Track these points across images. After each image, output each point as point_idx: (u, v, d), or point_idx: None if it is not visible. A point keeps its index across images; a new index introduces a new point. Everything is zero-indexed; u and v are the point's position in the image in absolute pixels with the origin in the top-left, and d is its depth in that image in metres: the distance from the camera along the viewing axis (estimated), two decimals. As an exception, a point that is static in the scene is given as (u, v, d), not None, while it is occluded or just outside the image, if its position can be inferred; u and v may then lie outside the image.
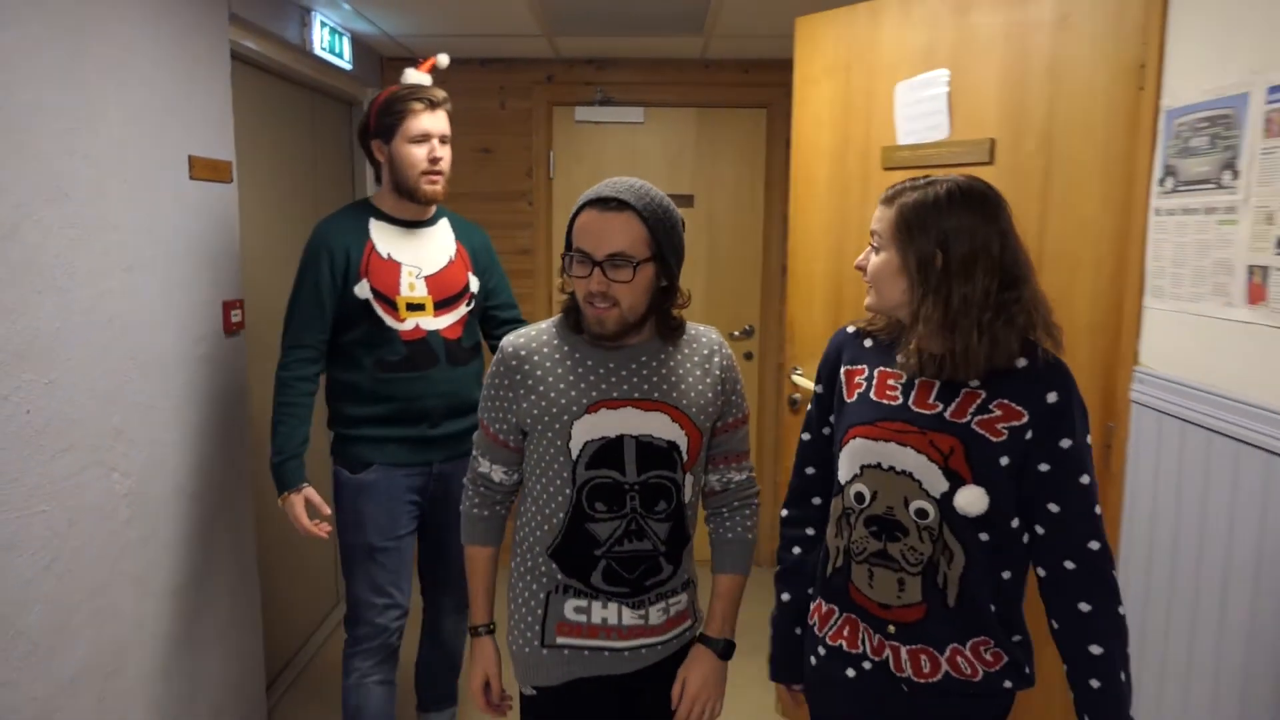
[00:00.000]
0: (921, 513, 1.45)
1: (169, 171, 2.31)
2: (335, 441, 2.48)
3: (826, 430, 1.66)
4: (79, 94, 1.94)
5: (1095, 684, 1.41)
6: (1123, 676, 1.41)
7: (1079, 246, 2.15)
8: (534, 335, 1.72)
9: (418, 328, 2.38)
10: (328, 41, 3.34)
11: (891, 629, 1.51)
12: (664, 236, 1.59)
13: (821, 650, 1.62)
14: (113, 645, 2.08)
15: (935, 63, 2.39)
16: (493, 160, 4.25)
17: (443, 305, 2.43)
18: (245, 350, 2.75)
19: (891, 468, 1.47)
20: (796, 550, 1.72)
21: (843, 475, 1.56)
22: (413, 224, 2.46)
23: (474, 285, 2.52)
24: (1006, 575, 1.48)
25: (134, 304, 2.16)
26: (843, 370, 1.60)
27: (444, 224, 2.54)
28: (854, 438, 1.53)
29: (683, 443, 1.66)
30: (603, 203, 1.57)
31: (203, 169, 2.45)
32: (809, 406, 1.70)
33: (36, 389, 1.81)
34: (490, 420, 1.74)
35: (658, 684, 1.75)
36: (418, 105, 2.37)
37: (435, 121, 2.40)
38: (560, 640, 1.70)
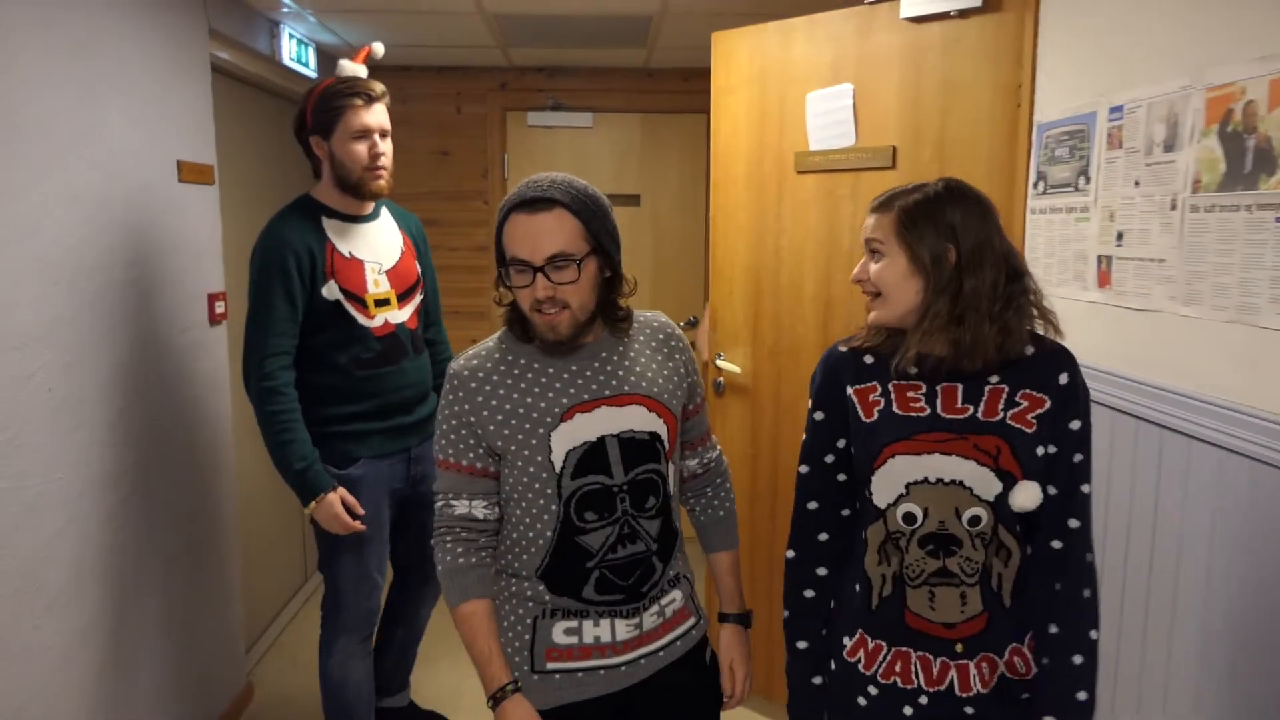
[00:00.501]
0: (974, 520, 1.41)
1: (161, 175, 2.54)
2: (314, 441, 2.37)
3: (830, 458, 1.55)
4: (88, 106, 2.18)
5: (1046, 662, 1.43)
6: (1077, 660, 1.41)
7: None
8: (483, 355, 1.61)
9: (386, 323, 2.42)
10: (295, 52, 3.57)
11: (959, 647, 1.45)
12: (598, 226, 1.52)
13: (873, 690, 1.51)
14: (118, 602, 2.31)
15: (841, 77, 2.67)
16: (450, 162, 4.50)
17: (403, 297, 2.48)
18: (226, 339, 2.98)
19: (940, 480, 1.42)
20: (809, 593, 1.59)
21: (882, 499, 1.46)
22: (359, 218, 2.45)
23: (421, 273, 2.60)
24: (1028, 550, 1.47)
25: (133, 295, 2.38)
26: (850, 391, 1.51)
27: (385, 215, 2.54)
28: (892, 456, 1.45)
29: (663, 431, 1.60)
30: (529, 204, 1.49)
31: (190, 172, 2.68)
32: (804, 437, 1.59)
33: (56, 370, 2.04)
34: (458, 455, 1.59)
35: (660, 695, 1.64)
36: (357, 101, 2.31)
37: (374, 116, 2.35)
38: (550, 666, 1.58)
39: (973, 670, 1.45)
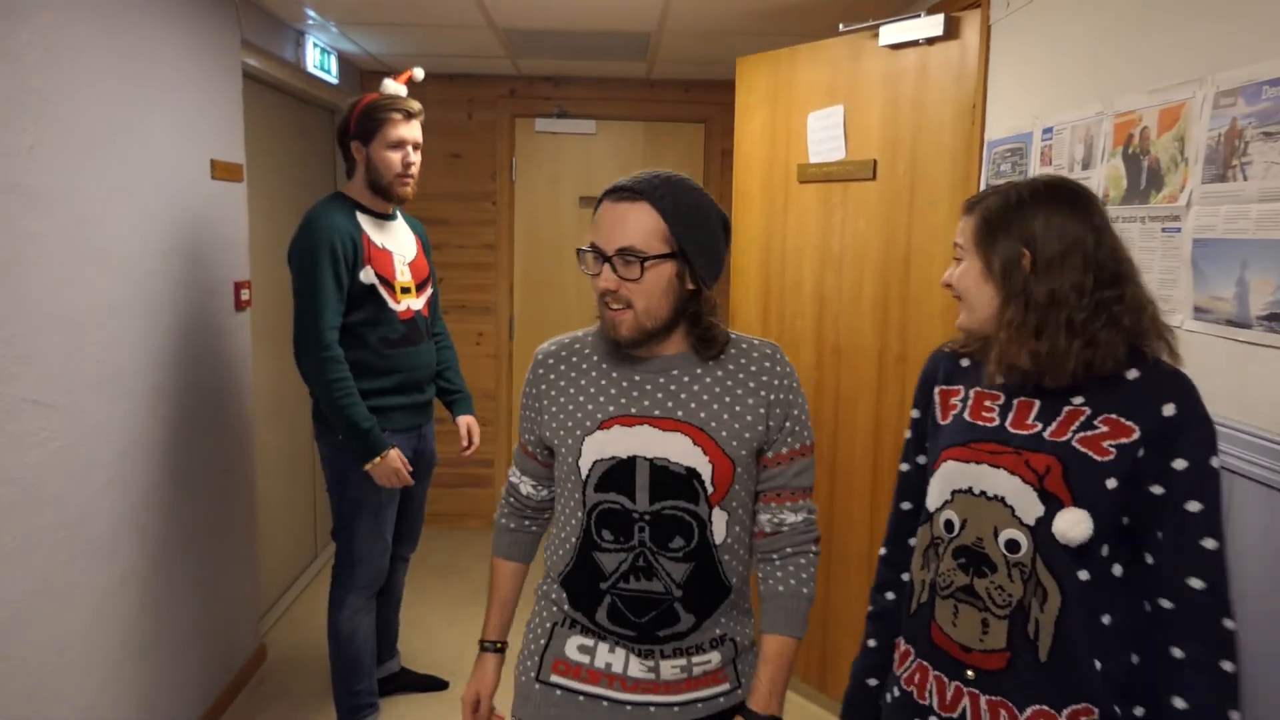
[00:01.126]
0: (1012, 545, 1.30)
1: (196, 173, 2.80)
2: None
3: (922, 459, 1.53)
4: (134, 112, 2.43)
5: None
6: None
7: (933, 248, 2.71)
8: (567, 343, 1.58)
9: (409, 308, 2.71)
10: (318, 60, 3.83)
11: (970, 674, 1.35)
12: (687, 232, 1.42)
13: (897, 691, 1.49)
14: (152, 557, 2.56)
15: (836, 98, 2.96)
16: (461, 165, 4.76)
17: (419, 288, 2.79)
18: (249, 323, 3.24)
19: (983, 493, 1.33)
20: (890, 595, 1.58)
21: (932, 502, 1.42)
22: (384, 216, 2.75)
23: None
24: (1106, 620, 1.29)
25: (169, 282, 2.64)
26: (937, 391, 1.49)
27: (400, 218, 2.85)
28: (946, 460, 1.40)
29: (706, 471, 1.44)
30: (618, 192, 1.44)
31: (221, 170, 2.94)
32: (906, 434, 1.58)
33: (104, 346, 2.30)
34: (522, 429, 1.62)
35: None
36: (396, 115, 2.64)
37: (411, 130, 2.68)
38: (555, 679, 1.54)
39: (985, 708, 1.34)
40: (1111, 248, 1.30)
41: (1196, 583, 1.22)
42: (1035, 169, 2.19)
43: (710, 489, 1.44)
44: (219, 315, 2.98)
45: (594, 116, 4.82)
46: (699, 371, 1.48)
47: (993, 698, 1.33)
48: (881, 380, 2.91)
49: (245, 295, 3.15)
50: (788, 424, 1.50)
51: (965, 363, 1.46)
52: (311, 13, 3.39)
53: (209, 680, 2.96)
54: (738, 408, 1.47)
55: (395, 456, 2.63)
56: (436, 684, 3.28)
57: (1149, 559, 1.26)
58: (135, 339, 2.45)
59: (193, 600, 2.83)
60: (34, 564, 2.03)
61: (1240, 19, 1.53)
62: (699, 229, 1.44)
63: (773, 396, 1.48)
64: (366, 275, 2.60)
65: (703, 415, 1.45)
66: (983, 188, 2.49)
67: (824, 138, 3.00)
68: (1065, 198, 1.32)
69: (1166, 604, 1.24)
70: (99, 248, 2.27)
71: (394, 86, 2.75)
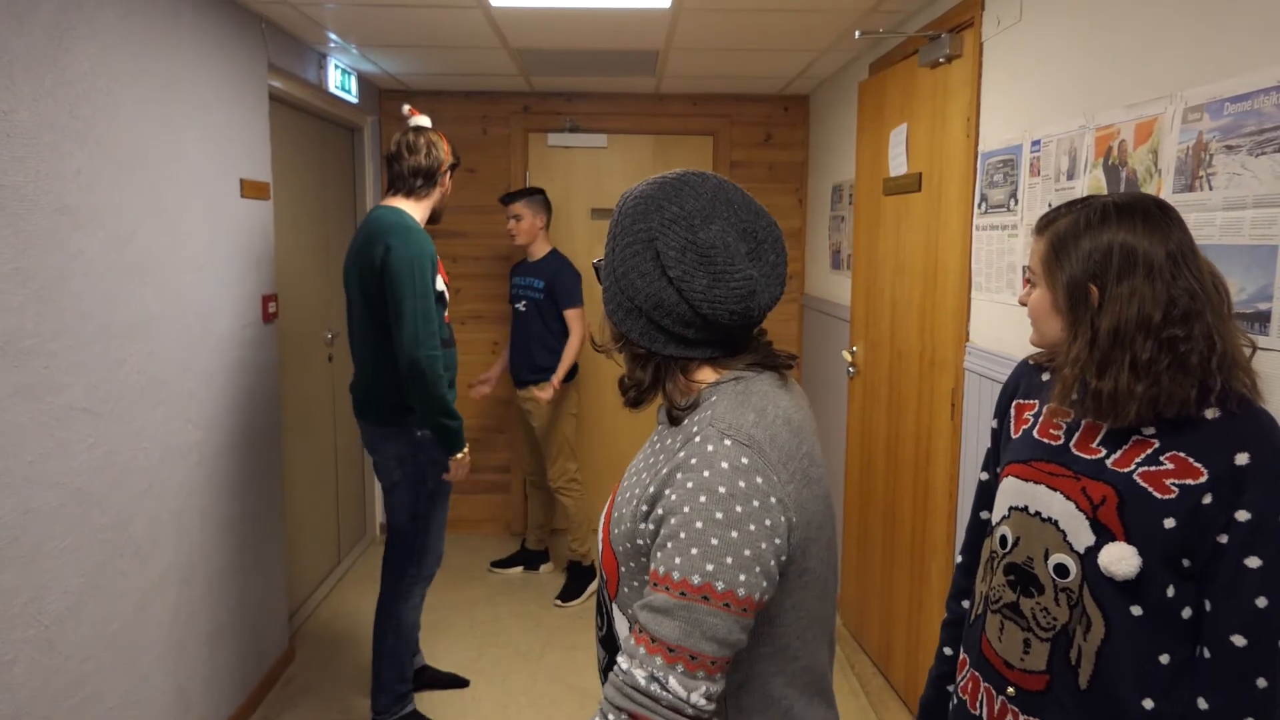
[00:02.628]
0: (1061, 569, 1.28)
1: (227, 191, 2.94)
2: (408, 411, 2.89)
3: (985, 476, 1.54)
4: (170, 134, 2.57)
5: None
6: None
7: (949, 256, 2.82)
8: None
9: (447, 315, 2.99)
10: (339, 80, 3.98)
11: (1011, 690, 1.35)
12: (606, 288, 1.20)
13: (955, 699, 1.50)
14: (186, 558, 2.69)
15: (904, 116, 3.17)
16: (476, 179, 4.90)
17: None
18: (277, 335, 3.37)
19: (1038, 513, 1.31)
20: (966, 603, 1.58)
21: (994, 516, 1.42)
22: None
23: None
24: (1165, 660, 1.24)
25: (202, 295, 2.78)
26: (1014, 404, 1.47)
27: None
28: (1007, 476, 1.39)
29: (602, 554, 1.21)
30: None
31: (250, 189, 3.08)
32: (988, 444, 1.56)
33: (143, 356, 2.44)
34: None
35: None
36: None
37: None
38: None
39: None
40: (1189, 276, 1.20)
41: (1239, 640, 1.18)
42: (1025, 180, 2.30)
43: (604, 576, 1.20)
44: (248, 327, 3.11)
45: (605, 130, 4.95)
46: (655, 439, 1.20)
47: (1031, 718, 1.32)
48: (921, 383, 3.04)
49: (272, 308, 3.28)
50: (648, 524, 1.09)
51: (1045, 377, 1.43)
52: (334, 35, 3.53)
53: (242, 676, 3.09)
54: (638, 490, 1.13)
55: (467, 452, 2.95)
56: (458, 682, 3.40)
57: (1206, 605, 1.21)
58: (171, 349, 2.59)
59: (226, 599, 2.95)
60: (82, 563, 2.17)
61: (1205, 40, 1.63)
62: (611, 277, 1.17)
63: (662, 476, 1.09)
64: (439, 284, 2.87)
65: (623, 484, 1.19)
66: (977, 197, 2.60)
67: (897, 152, 3.24)
68: (1139, 215, 1.23)
69: (1206, 653, 1.21)
70: (138, 263, 2.41)
71: (426, 122, 3.08)
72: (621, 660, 1.05)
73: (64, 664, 2.10)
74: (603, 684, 1.14)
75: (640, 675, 1.02)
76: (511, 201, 4.14)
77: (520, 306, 4.20)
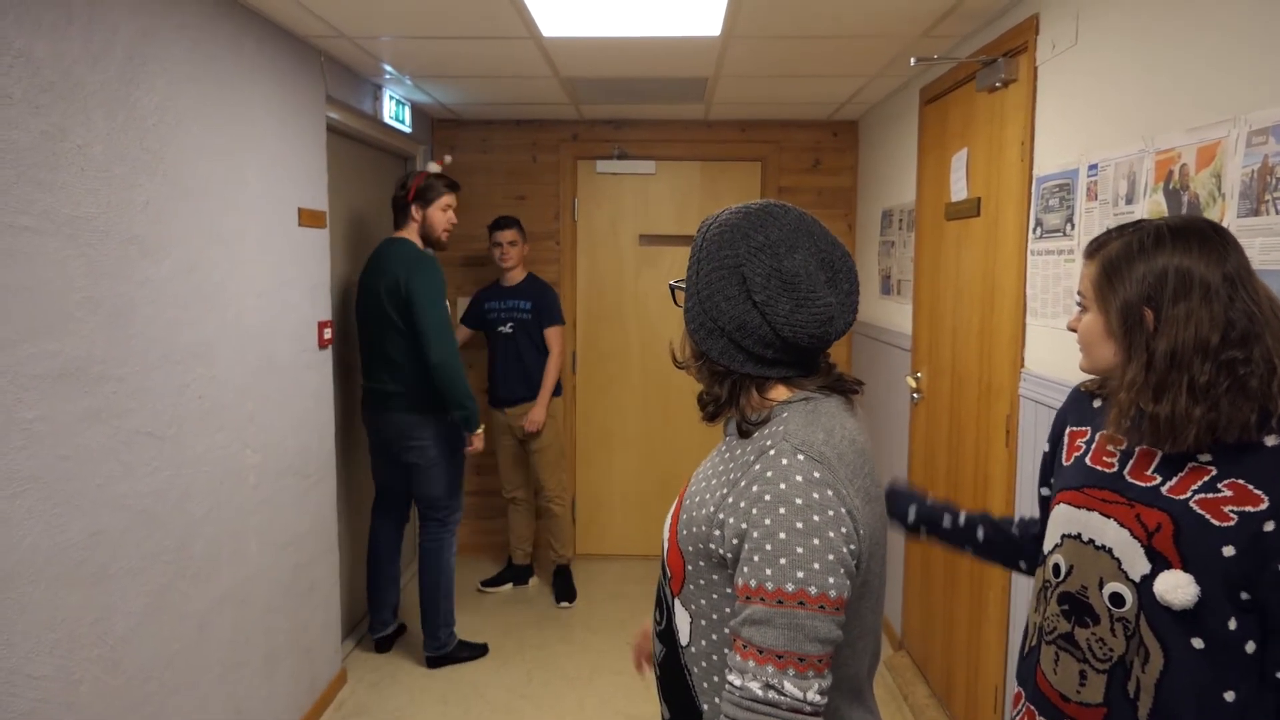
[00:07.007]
0: (1117, 599, 1.24)
1: (285, 220, 3.01)
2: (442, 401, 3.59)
3: (1045, 492, 1.51)
4: (232, 166, 2.64)
5: None
6: None
7: (1005, 280, 2.79)
8: None
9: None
10: (393, 111, 4.06)
11: None
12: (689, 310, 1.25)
13: None
14: (244, 580, 2.73)
15: (964, 141, 3.17)
16: (526, 205, 4.95)
17: None
18: (331, 360, 3.43)
19: (1091, 541, 1.28)
20: (1011, 520, 1.61)
21: (1046, 544, 1.39)
22: None
23: None
24: (1230, 697, 1.19)
25: (260, 321, 2.84)
26: (1067, 431, 1.44)
27: None
28: (1059, 503, 1.36)
29: (668, 552, 1.28)
30: None
31: (307, 218, 3.14)
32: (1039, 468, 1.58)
33: (205, 381, 2.49)
34: None
35: None
36: (444, 187, 3.66)
37: (453, 199, 3.71)
38: None
39: None
40: (1246, 300, 1.18)
41: None
42: (1081, 204, 2.27)
43: (668, 574, 1.27)
44: (305, 352, 3.17)
45: (653, 157, 4.98)
46: (723, 448, 1.28)
47: None
48: (979, 410, 3.01)
49: (328, 334, 3.34)
50: (722, 531, 1.15)
51: (1097, 403, 1.41)
52: (389, 68, 3.60)
53: (297, 697, 3.12)
54: (709, 494, 1.21)
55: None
56: (478, 650, 3.84)
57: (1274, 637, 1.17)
58: (231, 374, 2.64)
59: (282, 622, 2.99)
60: (146, 584, 2.21)
61: (1269, 61, 1.61)
62: (694, 299, 1.24)
63: (737, 487, 1.16)
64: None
65: (689, 495, 1.25)
66: (1032, 221, 2.57)
67: (957, 178, 3.24)
68: (1195, 239, 1.21)
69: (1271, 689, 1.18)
70: (201, 290, 2.47)
71: (434, 168, 3.81)
72: (733, 678, 1.09)
73: (127, 684, 2.14)
74: (657, 678, 1.29)
75: (756, 687, 1.07)
76: (507, 228, 4.37)
77: (505, 329, 4.41)
